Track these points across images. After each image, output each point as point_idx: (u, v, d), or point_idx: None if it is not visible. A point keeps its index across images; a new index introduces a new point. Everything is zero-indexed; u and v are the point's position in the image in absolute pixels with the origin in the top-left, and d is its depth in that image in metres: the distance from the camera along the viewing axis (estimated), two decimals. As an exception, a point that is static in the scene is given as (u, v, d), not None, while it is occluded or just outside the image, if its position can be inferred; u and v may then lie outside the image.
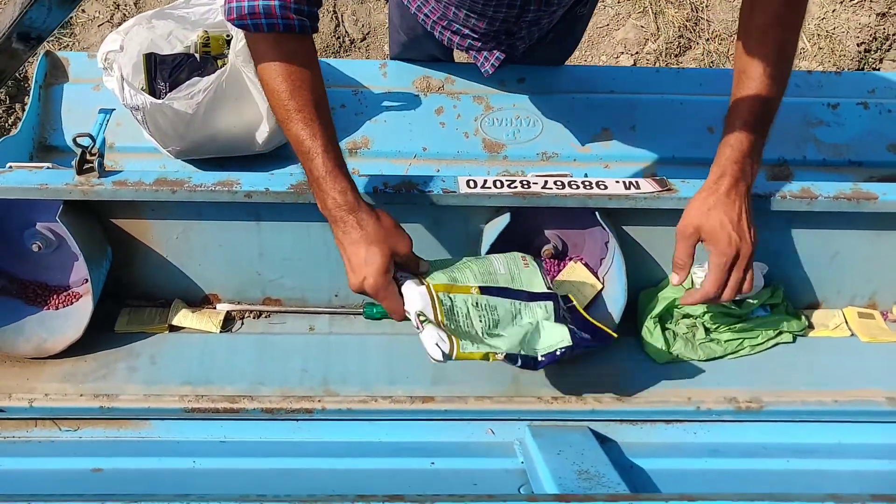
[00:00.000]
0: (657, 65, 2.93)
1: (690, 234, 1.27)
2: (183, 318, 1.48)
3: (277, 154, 2.03)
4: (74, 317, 1.45)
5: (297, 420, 1.32)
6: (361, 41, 2.87)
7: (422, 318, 1.17)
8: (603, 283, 1.51)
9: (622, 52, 2.91)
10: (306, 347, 1.47)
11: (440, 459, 1.26)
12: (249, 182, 1.36)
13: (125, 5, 2.87)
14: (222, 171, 1.96)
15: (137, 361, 1.42)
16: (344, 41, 2.86)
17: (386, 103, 2.10)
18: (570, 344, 1.24)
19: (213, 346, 1.45)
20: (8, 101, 2.81)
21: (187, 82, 1.79)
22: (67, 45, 2.82)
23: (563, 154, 2.07)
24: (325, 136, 1.18)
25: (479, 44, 1.78)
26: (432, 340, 1.14)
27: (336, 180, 1.18)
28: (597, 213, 1.41)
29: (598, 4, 1.86)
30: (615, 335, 1.32)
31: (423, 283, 1.23)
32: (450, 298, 1.23)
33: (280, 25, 1.14)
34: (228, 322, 1.51)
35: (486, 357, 1.17)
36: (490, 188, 1.38)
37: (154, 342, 1.46)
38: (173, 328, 1.48)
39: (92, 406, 1.29)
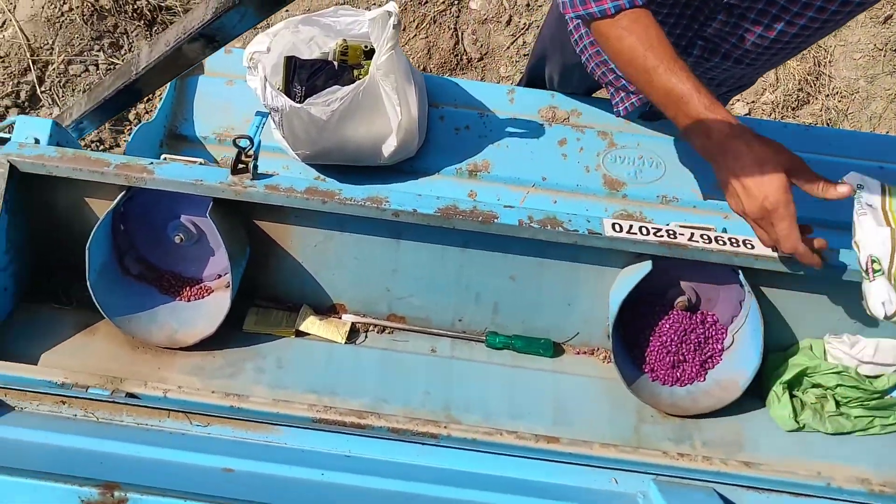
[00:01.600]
0: (773, 116, 2.88)
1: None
2: (310, 324, 1.49)
3: (399, 168, 2.04)
4: (206, 311, 1.48)
5: (423, 444, 1.32)
6: (479, 61, 2.88)
7: (876, 266, 1.07)
8: (732, 341, 1.48)
9: (738, 100, 2.87)
10: (428, 369, 1.47)
11: (560, 503, 1.24)
12: (398, 201, 1.36)
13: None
14: (343, 179, 2.00)
15: (264, 363, 1.44)
16: (461, 59, 2.87)
17: (510, 129, 2.10)
18: None
19: (338, 357, 1.47)
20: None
21: (327, 89, 1.82)
22: (192, 34, 2.89)
23: (683, 199, 2.04)
24: (693, 77, 1.22)
25: (623, 81, 1.77)
26: (880, 296, 1.04)
27: (718, 111, 1.20)
28: (740, 271, 1.38)
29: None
30: None
31: (889, 225, 1.10)
32: None
33: (626, 3, 1.24)
34: (352, 334, 1.52)
35: None
36: (636, 234, 1.36)
37: (281, 345, 1.47)
38: (299, 333, 1.50)
39: (223, 404, 1.30)
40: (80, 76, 2.79)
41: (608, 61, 1.73)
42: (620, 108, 1.83)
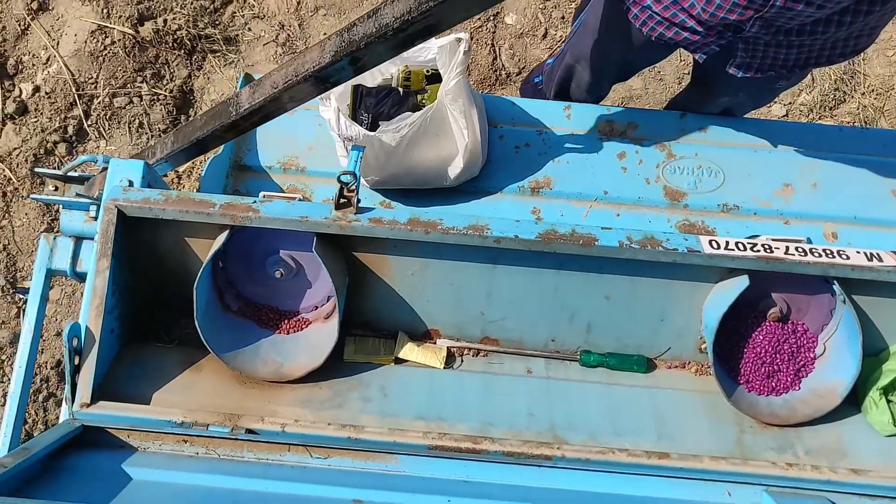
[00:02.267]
0: (810, 117, 2.91)
1: None
2: (409, 351, 1.52)
3: (462, 189, 2.07)
4: (307, 343, 1.51)
5: (540, 466, 1.34)
6: (517, 75, 2.91)
7: None
8: (824, 350, 1.51)
9: (775, 102, 2.90)
10: (528, 390, 1.50)
11: (678, 517, 1.27)
12: (499, 228, 1.39)
13: (289, 26, 2.96)
14: (408, 202, 2.03)
15: (369, 392, 1.46)
16: (500, 75, 2.90)
17: (569, 145, 2.13)
18: None
19: (439, 382, 1.49)
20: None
21: (399, 116, 1.85)
22: (233, 62, 2.92)
23: (744, 207, 2.07)
24: None
25: (699, 38, 1.72)
26: None
27: None
28: (835, 281, 1.41)
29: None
30: None
31: None
32: None
33: None
34: (448, 358, 1.54)
35: None
36: (733, 250, 1.39)
37: (382, 373, 1.50)
38: (398, 360, 1.52)
39: (341, 436, 1.33)
40: (124, 108, 2.82)
41: (683, 23, 1.67)
42: (700, 54, 1.78)
